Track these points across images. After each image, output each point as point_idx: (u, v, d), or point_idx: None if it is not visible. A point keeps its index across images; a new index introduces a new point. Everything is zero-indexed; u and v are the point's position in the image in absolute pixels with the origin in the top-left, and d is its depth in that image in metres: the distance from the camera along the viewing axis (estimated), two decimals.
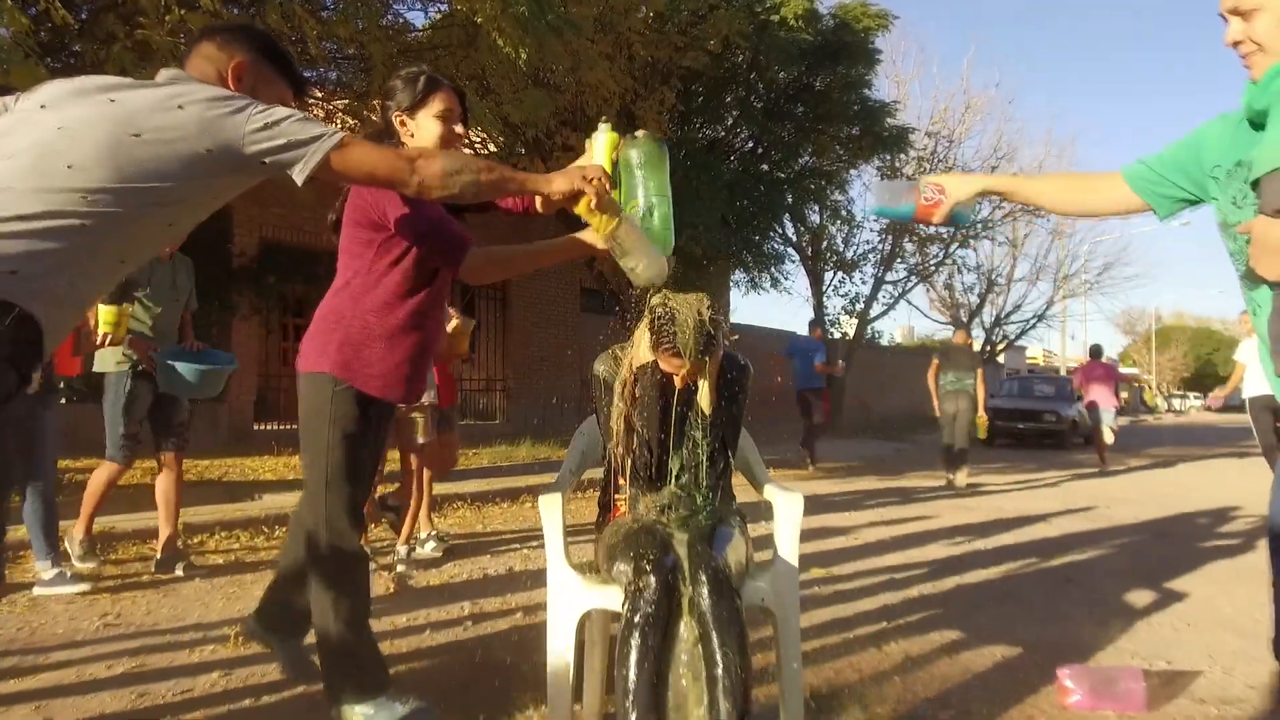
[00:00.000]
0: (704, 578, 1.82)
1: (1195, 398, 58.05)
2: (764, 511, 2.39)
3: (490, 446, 10.13)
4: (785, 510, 2.18)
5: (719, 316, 2.01)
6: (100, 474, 3.95)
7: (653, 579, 1.81)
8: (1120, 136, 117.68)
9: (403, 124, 2.17)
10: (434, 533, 4.66)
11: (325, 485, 2.11)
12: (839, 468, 10.52)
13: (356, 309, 2.12)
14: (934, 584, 4.12)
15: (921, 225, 1.70)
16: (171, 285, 4.05)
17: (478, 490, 6.83)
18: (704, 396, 2.12)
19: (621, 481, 2.17)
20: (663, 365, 2.10)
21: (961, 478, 8.53)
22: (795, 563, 2.11)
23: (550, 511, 2.10)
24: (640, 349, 2.13)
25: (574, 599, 2.02)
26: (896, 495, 7.81)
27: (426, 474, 4.61)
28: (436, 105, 2.15)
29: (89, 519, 4.00)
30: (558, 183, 1.79)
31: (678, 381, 2.12)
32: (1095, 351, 11.82)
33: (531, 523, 5.41)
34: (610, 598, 1.96)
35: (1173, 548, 5.32)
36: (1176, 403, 54.43)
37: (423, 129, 2.15)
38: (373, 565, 4.19)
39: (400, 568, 4.18)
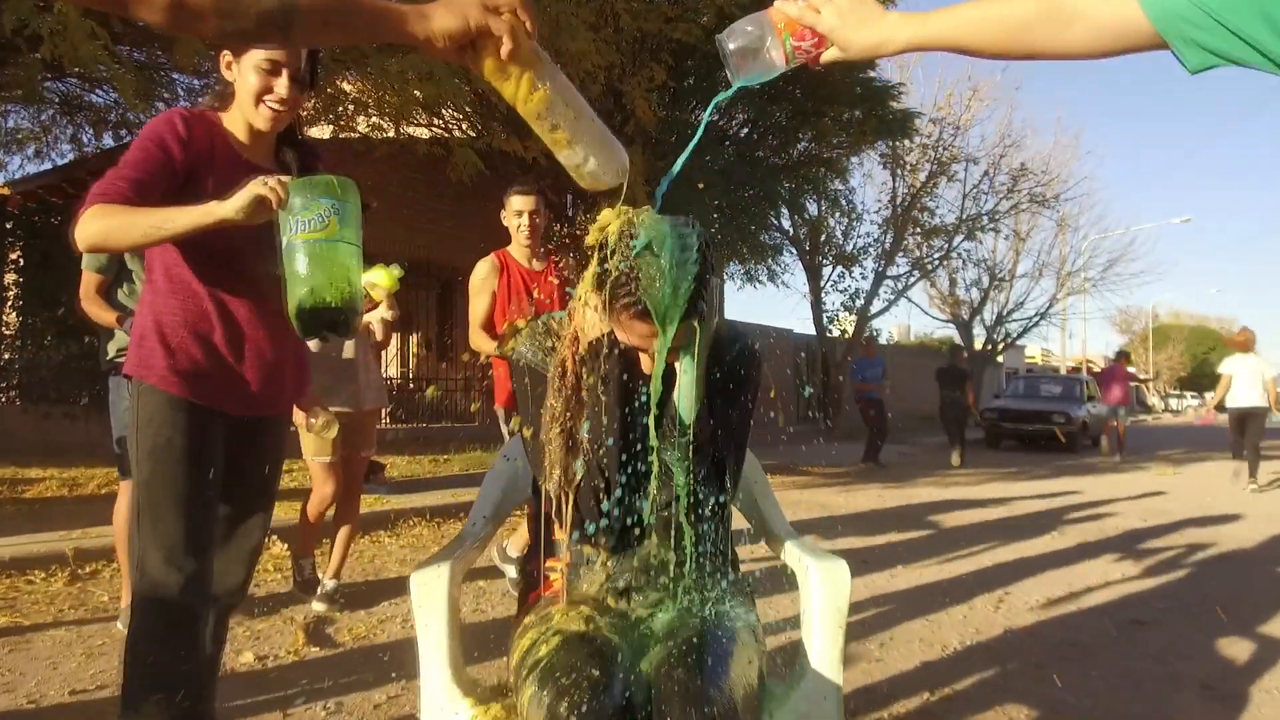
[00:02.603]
0: None
1: (1192, 397, 57.62)
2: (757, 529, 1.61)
3: (463, 453, 9.30)
4: (824, 593, 1.30)
5: (712, 260, 1.17)
6: (122, 504, 3.09)
7: None
8: (1129, 125, 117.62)
9: (229, 66, 1.70)
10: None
11: (138, 514, 1.63)
12: (841, 473, 9.79)
13: (153, 289, 1.70)
14: (976, 630, 3.35)
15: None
16: None
17: (440, 504, 6.03)
18: (686, 391, 1.26)
19: (557, 535, 1.33)
20: (622, 336, 1.25)
21: (955, 458, 11.18)
22: (839, 680, 1.26)
23: (429, 599, 1.21)
24: (586, 314, 1.27)
25: None
26: (907, 507, 7.04)
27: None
28: (258, 51, 1.64)
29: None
30: (441, 19, 0.99)
31: (646, 364, 1.27)
32: (1120, 355, 13.26)
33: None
34: None
35: (1241, 573, 4.58)
36: (1174, 402, 53.86)
37: (242, 80, 1.67)
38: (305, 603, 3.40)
39: (319, 607, 3.38)
